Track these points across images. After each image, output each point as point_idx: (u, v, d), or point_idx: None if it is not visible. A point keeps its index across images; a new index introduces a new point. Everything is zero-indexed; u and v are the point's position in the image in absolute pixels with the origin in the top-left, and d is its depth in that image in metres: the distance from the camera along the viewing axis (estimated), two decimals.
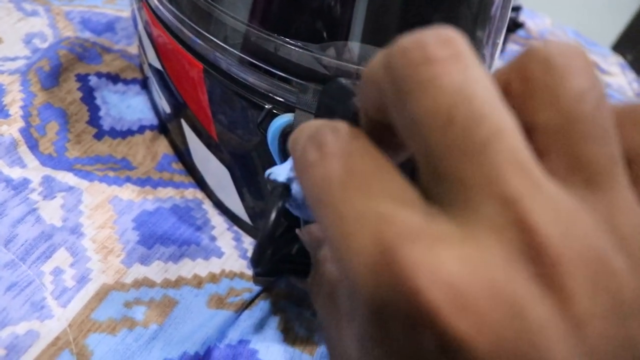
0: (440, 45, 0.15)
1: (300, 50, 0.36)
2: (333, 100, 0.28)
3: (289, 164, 0.29)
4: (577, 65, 0.15)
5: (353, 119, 0.26)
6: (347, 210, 0.16)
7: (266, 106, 0.37)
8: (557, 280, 0.13)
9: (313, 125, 0.19)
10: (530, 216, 0.13)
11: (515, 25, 1.02)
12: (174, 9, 0.40)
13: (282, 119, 0.35)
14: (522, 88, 0.15)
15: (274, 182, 0.27)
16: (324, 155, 0.17)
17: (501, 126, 0.14)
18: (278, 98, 0.37)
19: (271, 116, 0.36)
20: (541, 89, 0.15)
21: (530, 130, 0.15)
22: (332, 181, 0.17)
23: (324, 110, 0.29)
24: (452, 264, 0.13)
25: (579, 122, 0.15)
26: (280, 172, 0.28)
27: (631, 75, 1.16)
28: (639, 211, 0.15)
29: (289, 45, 0.36)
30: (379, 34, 0.38)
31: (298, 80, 0.36)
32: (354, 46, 0.37)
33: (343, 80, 0.30)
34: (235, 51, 0.38)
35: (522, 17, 1.13)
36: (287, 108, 0.36)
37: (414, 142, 0.16)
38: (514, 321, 0.13)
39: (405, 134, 0.16)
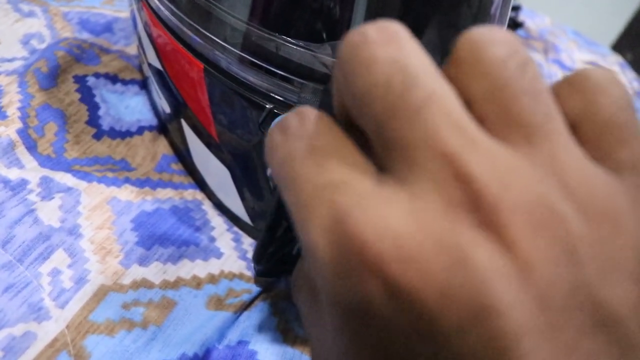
0: (378, 31, 0.16)
1: (301, 49, 0.36)
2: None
3: None
4: (496, 38, 0.16)
5: None
6: (305, 184, 0.17)
7: (267, 106, 0.36)
8: (498, 226, 0.14)
9: (284, 115, 0.20)
10: (467, 168, 0.14)
11: (514, 25, 1.02)
12: (174, 9, 0.40)
13: None
14: (455, 70, 0.17)
15: None
16: (287, 137, 0.18)
17: (435, 90, 0.15)
18: (279, 97, 0.37)
19: (272, 116, 0.36)
20: (468, 64, 0.16)
21: (470, 105, 0.16)
22: (294, 158, 0.17)
23: (326, 109, 0.28)
24: (396, 219, 0.14)
25: (507, 85, 0.16)
26: None
27: (631, 74, 1.16)
28: (585, 162, 0.16)
29: (290, 45, 0.36)
30: None
31: (299, 80, 0.36)
32: None
33: None
34: (235, 50, 0.37)
35: (522, 17, 1.13)
36: (288, 107, 0.36)
37: (364, 119, 0.16)
38: (458, 268, 0.13)
39: (356, 115, 0.17)
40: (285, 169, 0.18)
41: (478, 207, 0.14)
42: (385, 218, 0.14)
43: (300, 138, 0.18)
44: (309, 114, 0.19)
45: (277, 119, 0.23)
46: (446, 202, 0.14)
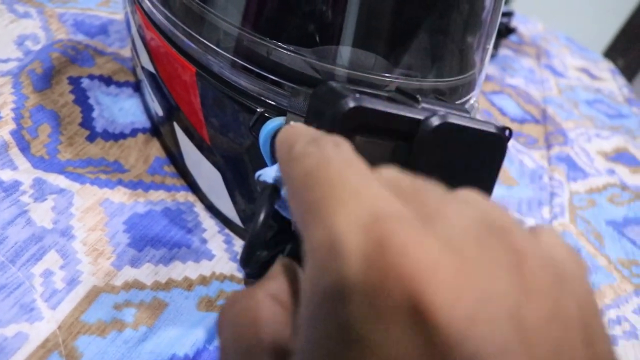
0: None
1: (293, 54, 0.36)
2: (322, 103, 0.28)
3: (279, 165, 0.29)
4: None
5: (341, 120, 0.27)
6: (344, 183, 0.18)
7: (258, 109, 0.37)
8: None
9: (311, 132, 0.22)
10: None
11: (507, 31, 1.03)
12: (167, 13, 0.41)
13: (274, 122, 0.35)
14: None
15: (264, 183, 0.28)
16: (324, 149, 0.20)
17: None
18: (270, 101, 0.37)
19: (263, 119, 0.36)
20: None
21: None
22: (333, 163, 0.19)
23: (314, 113, 0.29)
24: (435, 251, 0.16)
25: None
26: (270, 173, 0.28)
27: (621, 80, 1.17)
28: None
29: (281, 49, 0.36)
30: (371, 39, 0.38)
31: (290, 84, 0.36)
32: (346, 50, 0.37)
33: (333, 83, 0.30)
34: (227, 54, 0.38)
35: (515, 23, 1.13)
36: (279, 111, 0.36)
37: None
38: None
39: None
40: (320, 172, 0.19)
41: None
42: (426, 245, 0.15)
43: (340, 153, 0.20)
44: (343, 142, 0.21)
45: (282, 129, 0.24)
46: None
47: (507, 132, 0.31)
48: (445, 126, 0.28)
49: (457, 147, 0.29)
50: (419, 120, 0.28)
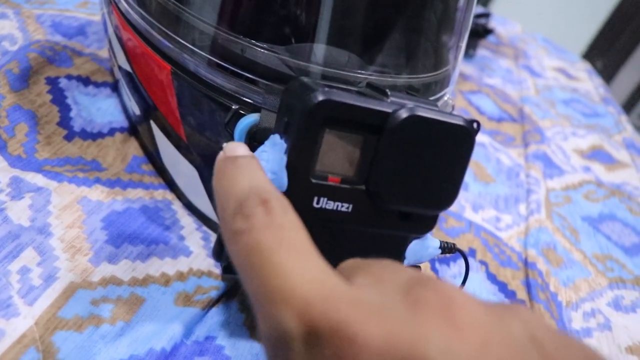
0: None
1: (267, 52, 0.37)
2: (293, 97, 0.29)
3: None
4: None
5: (311, 113, 0.27)
6: (276, 278, 0.19)
7: (233, 107, 0.37)
8: None
9: (239, 190, 0.24)
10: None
11: (485, 31, 1.04)
12: (143, 12, 0.41)
13: (249, 119, 0.36)
14: None
15: None
16: (252, 227, 0.21)
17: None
18: (245, 99, 0.37)
19: (238, 116, 0.37)
20: None
21: None
22: (262, 250, 0.20)
23: (285, 107, 0.29)
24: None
25: None
26: None
27: (598, 80, 1.19)
28: None
29: (255, 47, 0.37)
30: (344, 37, 0.39)
31: (265, 82, 0.37)
32: (319, 48, 0.38)
33: (304, 78, 0.31)
34: (203, 53, 0.38)
35: (493, 24, 1.15)
36: (254, 108, 0.37)
37: None
38: None
39: None
40: (253, 259, 0.20)
41: None
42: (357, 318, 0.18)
43: (268, 229, 0.21)
44: (275, 204, 0.22)
45: (220, 171, 0.26)
46: None
47: (475, 125, 0.32)
48: (414, 119, 0.29)
49: (426, 140, 0.30)
50: (387, 113, 0.29)
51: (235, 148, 0.27)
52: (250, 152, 0.28)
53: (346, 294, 0.19)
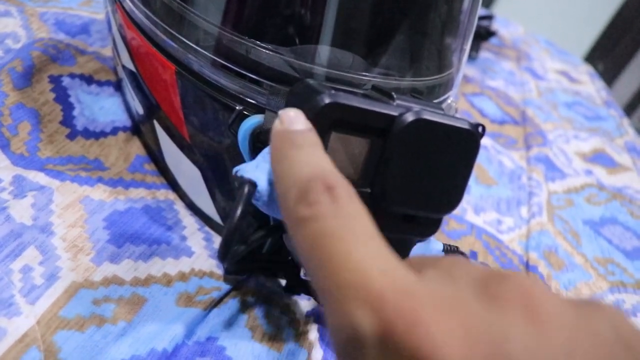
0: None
1: (271, 53, 0.37)
2: (299, 100, 0.29)
3: (256, 161, 0.30)
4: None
5: (317, 116, 0.27)
6: (345, 268, 0.18)
7: (237, 107, 0.37)
8: None
9: (302, 173, 0.22)
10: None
11: (488, 34, 1.04)
12: (147, 12, 0.41)
13: (253, 120, 0.35)
14: None
15: (241, 178, 0.28)
16: (318, 215, 0.20)
17: None
18: (249, 100, 0.37)
19: (242, 117, 0.37)
20: None
21: None
22: (329, 237, 0.19)
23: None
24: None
25: None
26: (248, 169, 0.29)
27: (600, 83, 1.19)
28: None
29: (260, 48, 0.37)
30: (349, 39, 0.39)
31: (269, 83, 0.37)
32: (324, 50, 0.38)
33: (310, 81, 0.31)
34: (207, 53, 0.38)
35: (496, 26, 1.15)
36: (258, 109, 0.37)
37: None
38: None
39: None
40: (320, 249, 0.19)
41: None
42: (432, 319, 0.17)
43: (335, 218, 0.20)
44: (341, 191, 0.21)
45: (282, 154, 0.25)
46: None
47: (480, 129, 0.32)
48: (420, 122, 0.29)
49: (431, 143, 0.30)
50: (393, 117, 0.29)
51: (293, 119, 0.26)
52: (309, 124, 0.26)
53: (420, 288, 0.18)
